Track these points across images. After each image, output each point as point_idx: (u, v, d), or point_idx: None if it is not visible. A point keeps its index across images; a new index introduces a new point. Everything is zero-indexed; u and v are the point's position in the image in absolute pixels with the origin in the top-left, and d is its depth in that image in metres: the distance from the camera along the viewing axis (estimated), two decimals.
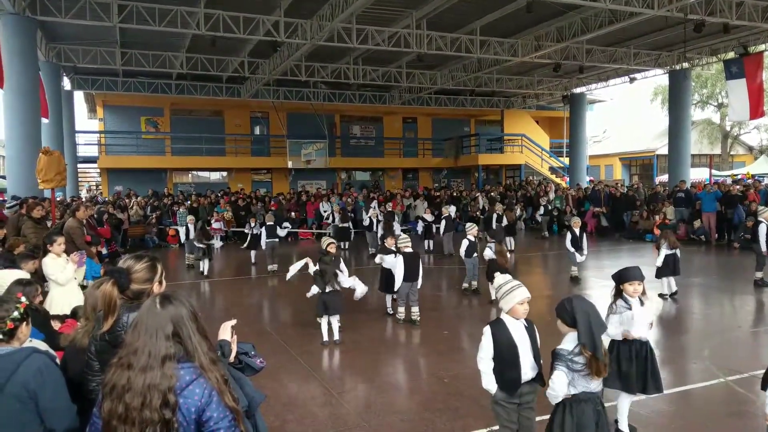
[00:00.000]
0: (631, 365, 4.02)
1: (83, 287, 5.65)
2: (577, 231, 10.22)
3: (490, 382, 3.38)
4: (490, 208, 16.28)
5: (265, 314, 9.16)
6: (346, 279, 6.89)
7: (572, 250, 10.19)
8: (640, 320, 4.00)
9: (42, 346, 2.87)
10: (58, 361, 2.82)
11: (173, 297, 2.04)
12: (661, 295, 8.92)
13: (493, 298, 8.81)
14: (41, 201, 9.74)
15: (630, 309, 4.01)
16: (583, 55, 17.82)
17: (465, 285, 9.63)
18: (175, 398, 1.86)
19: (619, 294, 4.13)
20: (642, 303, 4.09)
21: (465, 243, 9.39)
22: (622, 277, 4.11)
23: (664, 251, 8.72)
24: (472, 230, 9.53)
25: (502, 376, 3.35)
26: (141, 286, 2.66)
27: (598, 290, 9.80)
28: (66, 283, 5.45)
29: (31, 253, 5.63)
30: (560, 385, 3.03)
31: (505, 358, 3.32)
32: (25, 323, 2.64)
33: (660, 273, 8.84)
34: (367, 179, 27.87)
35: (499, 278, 3.52)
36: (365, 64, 19.82)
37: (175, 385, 1.87)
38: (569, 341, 3.09)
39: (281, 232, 12.83)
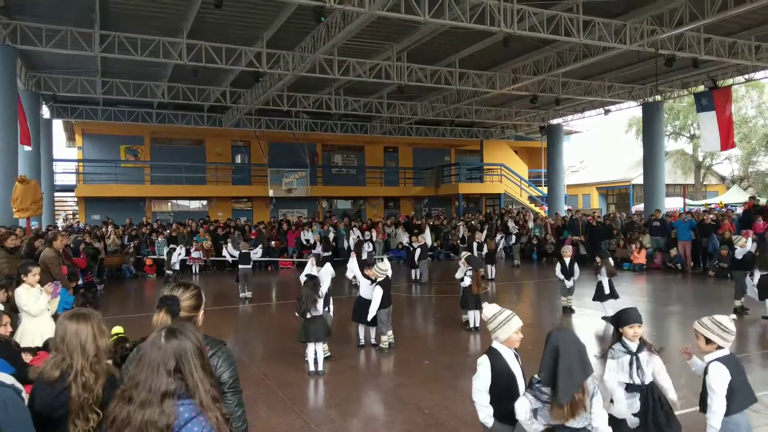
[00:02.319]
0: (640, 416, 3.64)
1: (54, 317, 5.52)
2: (567, 260, 10.29)
3: (488, 416, 3.24)
4: (470, 237, 16.38)
5: (242, 344, 8.99)
6: (321, 306, 6.80)
7: (561, 277, 10.27)
8: (658, 368, 3.76)
9: (7, 379, 2.78)
10: (25, 395, 2.73)
11: (179, 331, 1.98)
12: (604, 318, 9.26)
13: (471, 326, 8.84)
14: (14, 230, 9.54)
15: (628, 353, 3.74)
16: (559, 87, 18.31)
17: (465, 317, 9.27)
18: None
19: (618, 338, 3.86)
20: (642, 347, 3.77)
21: (461, 271, 9.33)
22: (621, 320, 3.84)
23: (605, 278, 9.37)
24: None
25: (500, 407, 3.21)
26: (189, 314, 2.64)
27: (578, 318, 9.87)
28: (39, 314, 5.32)
29: (3, 283, 5.50)
30: (520, 412, 2.94)
31: (504, 388, 3.21)
32: None
33: (600, 297, 9.46)
34: (348, 207, 27.93)
35: (490, 308, 3.43)
36: (347, 95, 20.07)
37: (173, 423, 1.83)
38: None
39: (254, 256, 12.69)
